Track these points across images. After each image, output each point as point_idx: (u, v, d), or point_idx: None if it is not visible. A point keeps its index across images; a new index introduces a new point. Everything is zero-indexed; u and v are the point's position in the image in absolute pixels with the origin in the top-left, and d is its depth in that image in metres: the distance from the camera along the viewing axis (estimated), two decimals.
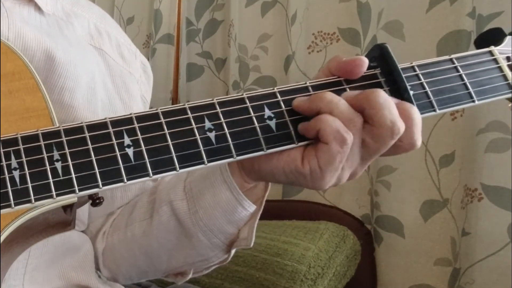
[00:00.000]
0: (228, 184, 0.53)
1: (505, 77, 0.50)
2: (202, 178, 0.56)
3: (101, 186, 0.41)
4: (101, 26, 0.71)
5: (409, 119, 0.45)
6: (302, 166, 0.45)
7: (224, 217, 0.55)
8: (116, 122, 0.43)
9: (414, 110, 0.45)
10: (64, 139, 0.42)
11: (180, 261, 0.63)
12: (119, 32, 0.74)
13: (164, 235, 0.60)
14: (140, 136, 0.42)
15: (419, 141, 0.47)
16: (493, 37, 0.52)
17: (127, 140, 0.42)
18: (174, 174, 0.42)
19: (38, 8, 0.62)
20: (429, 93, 0.47)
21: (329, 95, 0.44)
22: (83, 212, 0.67)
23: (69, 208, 0.43)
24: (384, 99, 0.43)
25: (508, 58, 0.50)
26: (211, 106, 0.44)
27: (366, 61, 0.46)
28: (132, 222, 0.64)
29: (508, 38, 0.52)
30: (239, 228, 0.56)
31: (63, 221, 0.45)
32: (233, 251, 0.60)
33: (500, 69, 0.50)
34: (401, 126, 0.44)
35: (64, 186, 0.40)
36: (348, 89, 0.46)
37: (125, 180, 0.41)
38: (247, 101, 0.45)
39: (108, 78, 0.68)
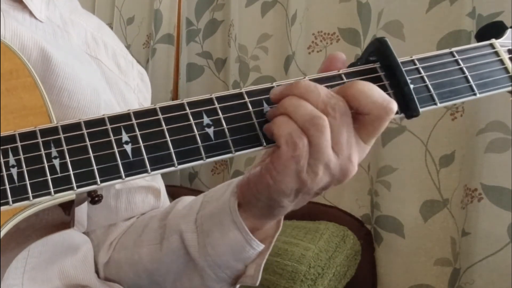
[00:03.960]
0: (237, 224, 0.53)
1: (506, 70, 0.50)
2: (212, 215, 0.56)
3: (99, 182, 0.41)
4: (98, 36, 0.71)
5: (352, 93, 0.44)
6: (262, 175, 0.46)
7: (231, 254, 0.55)
8: (114, 119, 0.43)
9: (350, 85, 0.44)
10: (62, 136, 0.42)
11: (184, 286, 0.62)
12: (116, 42, 0.74)
13: (173, 262, 0.60)
14: (138, 132, 0.42)
15: (384, 102, 0.43)
16: (494, 30, 0.52)
17: (125, 137, 0.42)
18: (173, 170, 0.42)
19: (33, 15, 0.62)
20: (430, 86, 0.47)
21: (304, 82, 0.45)
22: (82, 214, 0.67)
23: (67, 206, 0.43)
24: (297, 96, 0.44)
25: (509, 51, 0.50)
26: (209, 101, 0.44)
27: (335, 56, 0.48)
28: (140, 244, 0.64)
29: (509, 30, 0.52)
30: (246, 265, 0.56)
31: (62, 219, 0.45)
32: (238, 286, 0.60)
33: (501, 61, 0.50)
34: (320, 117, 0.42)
35: (62, 183, 0.40)
36: None
37: (123, 177, 0.41)
38: (246, 97, 0.45)
39: (105, 85, 0.68)
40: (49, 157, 0.41)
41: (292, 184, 0.44)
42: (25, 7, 0.61)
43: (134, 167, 0.41)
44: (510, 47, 0.50)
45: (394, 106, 0.44)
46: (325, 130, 0.42)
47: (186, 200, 0.65)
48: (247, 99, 0.45)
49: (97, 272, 0.68)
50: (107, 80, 0.69)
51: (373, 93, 0.43)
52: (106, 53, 0.71)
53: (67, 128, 0.42)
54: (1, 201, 0.39)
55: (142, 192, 0.71)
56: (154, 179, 0.73)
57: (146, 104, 0.76)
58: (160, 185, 0.74)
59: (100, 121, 0.42)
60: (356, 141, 0.45)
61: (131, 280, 0.65)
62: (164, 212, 0.66)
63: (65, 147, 0.41)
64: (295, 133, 0.42)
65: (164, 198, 0.75)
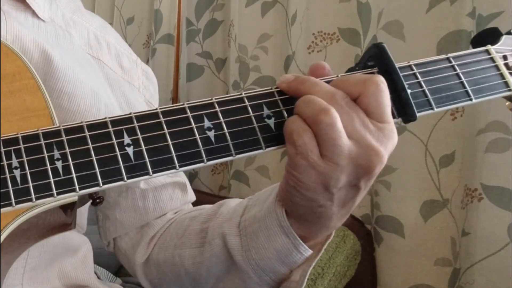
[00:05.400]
0: (285, 228, 0.51)
1: (501, 76, 0.50)
2: (257, 219, 0.54)
3: (101, 185, 0.41)
4: (101, 36, 0.71)
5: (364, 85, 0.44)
6: (286, 177, 0.45)
7: (277, 258, 0.53)
8: (116, 122, 0.43)
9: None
10: (64, 138, 0.42)
11: (227, 287, 0.62)
12: (119, 42, 0.74)
13: (215, 265, 0.59)
14: (140, 136, 0.42)
15: (366, 79, 0.45)
16: (489, 36, 0.52)
17: (127, 139, 0.42)
18: (174, 172, 0.42)
19: (35, 15, 0.62)
20: (427, 91, 0.47)
21: (309, 77, 0.45)
22: (81, 216, 0.67)
23: (69, 208, 0.43)
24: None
25: (504, 57, 0.51)
26: (210, 105, 0.44)
27: (321, 65, 0.48)
28: (181, 246, 0.64)
29: (504, 37, 0.52)
30: (291, 269, 0.55)
31: (63, 220, 0.45)
32: None
33: (496, 67, 0.50)
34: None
35: (65, 185, 0.41)
36: None
37: (125, 179, 0.41)
38: (246, 100, 0.45)
39: (107, 87, 0.67)
40: (51, 159, 0.41)
41: (313, 178, 0.44)
42: (28, 6, 0.61)
43: (136, 170, 0.42)
44: (505, 53, 0.51)
45: (378, 77, 0.44)
46: (335, 121, 0.42)
47: (230, 203, 0.64)
48: (247, 103, 0.45)
49: (134, 273, 0.69)
50: (109, 81, 0.68)
51: (354, 75, 0.45)
52: (109, 53, 0.71)
53: (69, 130, 0.42)
54: (4, 203, 0.40)
55: (168, 189, 0.71)
56: (177, 174, 0.72)
57: (154, 100, 0.76)
58: (184, 178, 0.74)
59: (102, 124, 0.43)
60: (374, 125, 0.44)
61: (172, 280, 0.66)
62: (206, 214, 0.65)
63: (67, 150, 0.41)
64: (295, 131, 0.42)
65: (190, 190, 0.75)
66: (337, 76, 0.47)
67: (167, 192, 0.70)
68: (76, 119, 0.59)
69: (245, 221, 0.56)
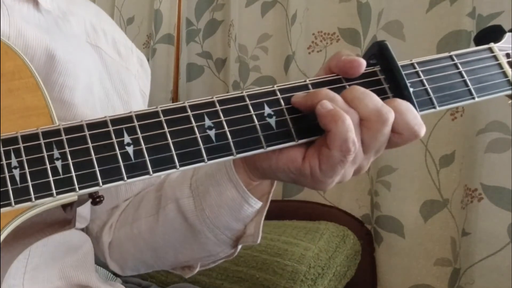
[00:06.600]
0: (234, 182, 0.53)
1: (504, 74, 0.50)
2: (208, 176, 0.56)
3: (101, 184, 0.41)
4: (97, 24, 0.71)
5: (397, 111, 0.44)
6: (303, 166, 0.45)
7: (230, 214, 0.55)
8: (116, 121, 0.43)
9: (398, 102, 0.44)
10: (64, 137, 0.42)
11: (187, 256, 0.63)
12: (114, 29, 0.75)
13: (171, 232, 0.60)
14: (140, 135, 0.42)
15: (420, 128, 0.45)
16: (492, 34, 0.52)
17: (127, 139, 0.42)
18: (175, 172, 0.42)
19: (36, 5, 0.62)
20: (429, 90, 0.47)
21: (324, 91, 0.44)
22: (84, 208, 0.67)
23: (69, 207, 0.43)
24: (362, 90, 0.44)
25: (507, 55, 0.50)
26: (211, 104, 0.44)
27: (364, 63, 0.46)
28: (138, 218, 0.64)
29: (507, 35, 0.52)
30: (245, 224, 0.56)
31: (63, 219, 0.45)
32: (239, 247, 0.61)
33: (499, 65, 0.50)
34: (387, 112, 0.43)
35: (65, 185, 0.40)
36: (348, 87, 0.46)
37: (125, 178, 0.41)
38: (247, 99, 0.45)
39: (105, 75, 0.68)
40: (51, 158, 0.41)
41: (330, 182, 0.46)
42: None
43: (136, 169, 0.41)
44: (508, 51, 0.51)
45: (423, 130, 0.45)
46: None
47: None
48: (248, 102, 0.45)
49: (104, 256, 0.69)
50: (108, 69, 0.69)
51: (414, 114, 0.44)
52: (106, 40, 0.71)
53: (69, 130, 0.42)
54: (3, 203, 0.39)
55: None
56: None
57: (146, 90, 0.77)
58: None
59: (102, 123, 0.42)
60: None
61: (134, 256, 0.66)
62: (159, 183, 0.66)
63: (67, 149, 0.41)
64: (351, 139, 0.42)
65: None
66: (337, 75, 0.47)
67: None
68: (78, 112, 0.59)
69: (196, 181, 0.57)
